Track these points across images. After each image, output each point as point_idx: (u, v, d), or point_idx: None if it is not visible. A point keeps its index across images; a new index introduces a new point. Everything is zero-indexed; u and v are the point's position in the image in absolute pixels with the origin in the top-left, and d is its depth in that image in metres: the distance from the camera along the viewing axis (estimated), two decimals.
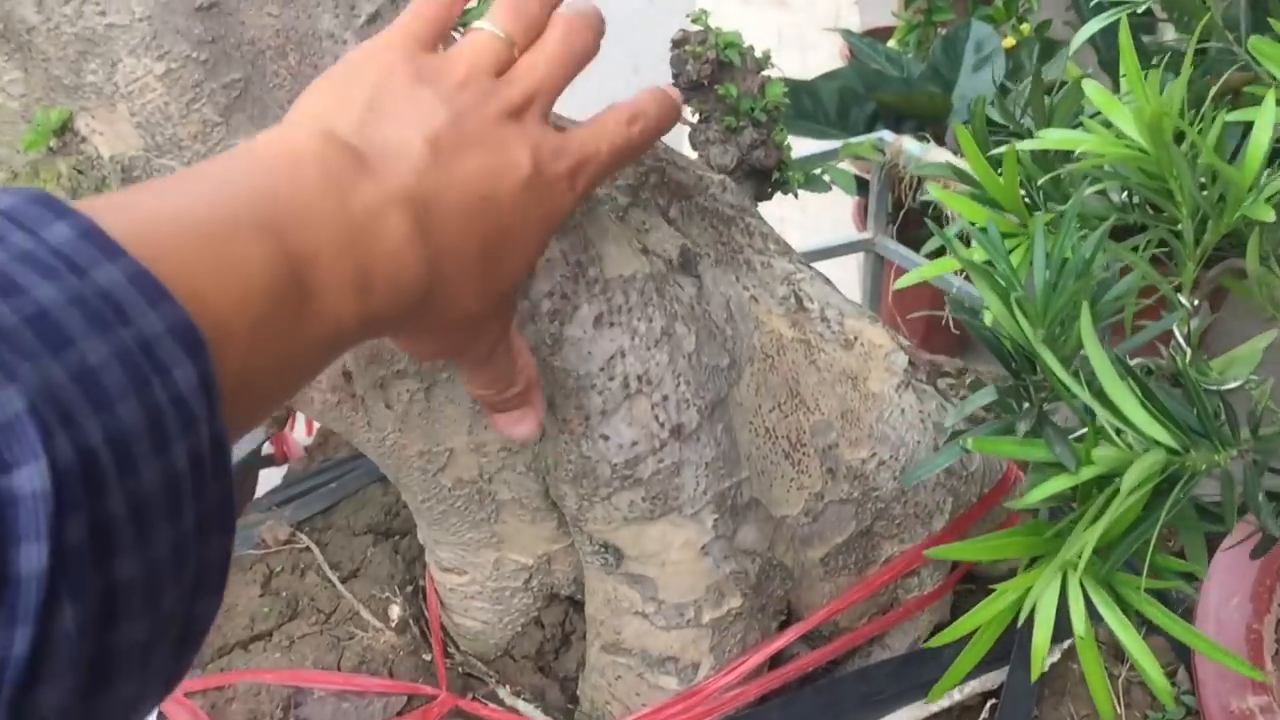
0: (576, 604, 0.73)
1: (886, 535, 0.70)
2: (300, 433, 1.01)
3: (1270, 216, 0.49)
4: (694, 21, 0.84)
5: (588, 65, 0.51)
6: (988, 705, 0.71)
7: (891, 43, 2.58)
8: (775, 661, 0.69)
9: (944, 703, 0.70)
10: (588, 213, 0.63)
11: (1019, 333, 0.48)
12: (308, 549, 0.82)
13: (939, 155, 1.43)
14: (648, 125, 0.52)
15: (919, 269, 0.62)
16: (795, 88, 2.04)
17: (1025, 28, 2.18)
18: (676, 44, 0.83)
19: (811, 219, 2.56)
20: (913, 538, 0.70)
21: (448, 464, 0.66)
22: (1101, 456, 0.46)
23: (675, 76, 0.83)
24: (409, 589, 0.79)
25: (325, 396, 0.64)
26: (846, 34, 2.40)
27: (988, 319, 0.52)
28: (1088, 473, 0.47)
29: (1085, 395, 0.46)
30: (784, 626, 0.69)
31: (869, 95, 2.11)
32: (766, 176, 0.85)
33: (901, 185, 1.51)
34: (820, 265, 0.83)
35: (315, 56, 0.56)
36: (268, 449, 1.13)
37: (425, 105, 0.45)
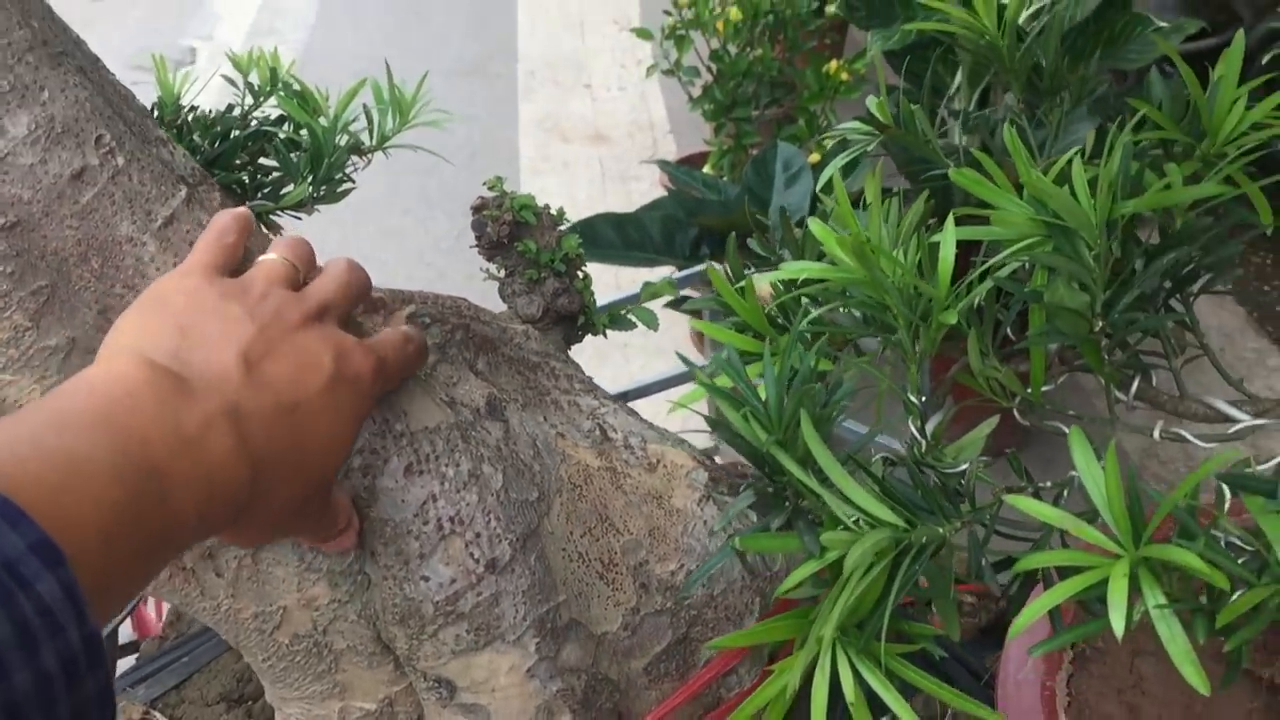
0: None
1: (703, 639, 0.75)
2: (153, 609, 1.02)
3: (953, 320, 0.57)
4: (490, 188, 0.92)
5: (362, 301, 0.63)
6: None
7: (706, 168, 2.74)
8: None
9: None
10: None
11: (756, 439, 0.55)
12: None
13: (760, 281, 1.53)
14: (416, 349, 0.65)
15: (689, 394, 0.69)
16: (621, 221, 2.16)
17: (827, 142, 2.34)
18: (475, 209, 0.91)
19: (654, 340, 2.66)
20: None
21: (282, 622, 0.70)
22: (833, 539, 0.53)
23: (478, 239, 0.91)
24: None
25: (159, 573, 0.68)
26: (663, 164, 2.53)
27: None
28: (831, 556, 0.54)
29: (815, 485, 0.53)
30: None
31: (690, 221, 2.23)
32: (573, 320, 0.92)
33: None
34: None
35: (117, 259, 0.62)
36: (128, 635, 1.14)
37: (234, 320, 0.54)
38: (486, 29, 5.08)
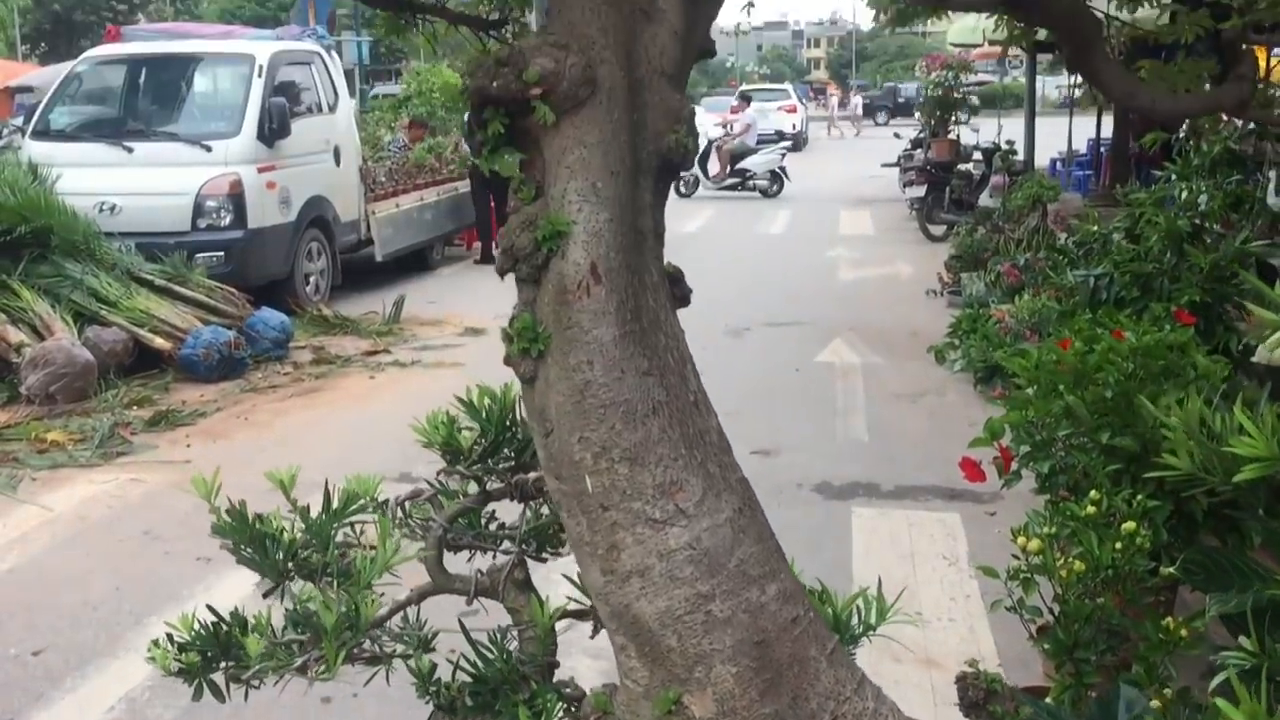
0: None
1: None
2: None
3: None
4: (968, 665, 1.37)
5: None
6: None
7: (1048, 699, 3.03)
8: None
9: None
10: None
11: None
12: None
13: None
14: None
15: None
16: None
17: (1168, 693, 2.57)
18: (960, 679, 1.36)
19: None
20: None
21: None
22: None
23: (960, 698, 1.35)
24: None
25: None
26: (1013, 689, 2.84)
27: None
28: None
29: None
30: None
31: None
32: None
33: None
34: None
35: (805, 668, 1.10)
36: None
37: None
38: (821, 551, 5.56)
